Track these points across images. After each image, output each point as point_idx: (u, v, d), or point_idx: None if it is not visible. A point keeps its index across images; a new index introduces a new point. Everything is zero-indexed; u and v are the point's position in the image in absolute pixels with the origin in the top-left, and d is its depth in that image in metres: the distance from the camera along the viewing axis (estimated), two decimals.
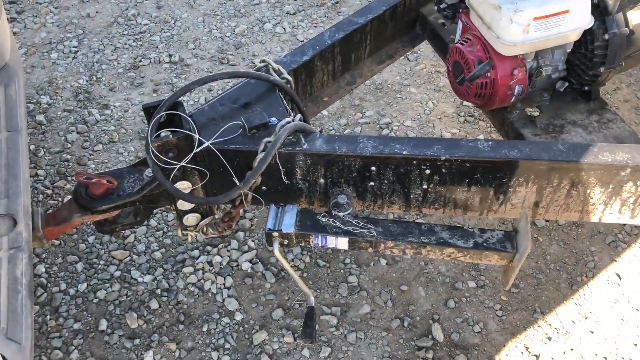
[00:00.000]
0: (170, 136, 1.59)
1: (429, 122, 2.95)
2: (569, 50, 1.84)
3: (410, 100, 3.08)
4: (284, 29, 3.60)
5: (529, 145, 1.64)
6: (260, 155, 1.60)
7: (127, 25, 3.59)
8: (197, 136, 1.59)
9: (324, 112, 2.98)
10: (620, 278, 2.26)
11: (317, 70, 2.14)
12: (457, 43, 1.91)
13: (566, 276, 2.27)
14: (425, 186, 1.71)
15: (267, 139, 1.62)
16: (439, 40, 2.33)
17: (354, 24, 2.15)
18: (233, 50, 3.44)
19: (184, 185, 1.69)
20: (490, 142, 1.63)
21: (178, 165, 1.59)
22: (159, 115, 1.61)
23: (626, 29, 1.80)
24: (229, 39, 3.52)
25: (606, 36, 1.78)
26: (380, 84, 3.20)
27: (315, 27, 3.61)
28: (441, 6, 2.01)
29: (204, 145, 1.60)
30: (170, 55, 3.35)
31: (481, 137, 2.86)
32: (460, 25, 1.96)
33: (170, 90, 3.14)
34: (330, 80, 2.27)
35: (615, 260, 2.31)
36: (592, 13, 1.76)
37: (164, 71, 3.27)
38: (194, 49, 3.42)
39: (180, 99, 1.69)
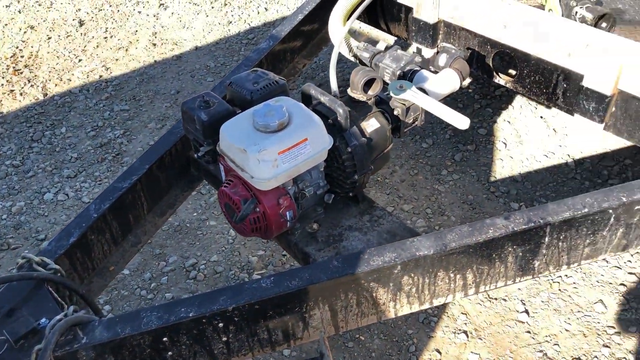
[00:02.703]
0: None
1: (234, 252, 2.95)
2: (322, 169, 1.98)
3: (212, 234, 3.08)
4: (67, 195, 3.44)
5: (308, 270, 1.69)
6: None
7: None
8: None
9: (126, 271, 2.85)
10: (440, 353, 2.39)
11: (93, 244, 2.05)
12: (222, 186, 1.96)
13: None
14: (225, 338, 1.67)
15: (38, 346, 1.47)
16: (215, 178, 2.38)
17: (120, 189, 2.11)
18: (13, 232, 3.19)
19: None
20: (272, 278, 1.65)
21: None
22: None
23: (364, 139, 1.99)
24: (6, 221, 3.26)
25: (349, 149, 1.96)
26: (178, 225, 3.16)
27: (100, 184, 3.51)
28: (199, 154, 2.07)
29: None
30: None
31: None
32: (222, 167, 2.03)
33: None
34: (112, 248, 2.17)
35: (432, 337, 2.44)
36: (331, 132, 1.93)
37: None
38: None
39: None
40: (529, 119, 3.70)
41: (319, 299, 1.68)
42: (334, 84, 2.15)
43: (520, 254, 1.82)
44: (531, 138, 3.56)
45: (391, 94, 2.16)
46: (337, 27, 2.92)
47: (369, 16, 3.48)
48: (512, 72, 2.78)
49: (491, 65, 2.85)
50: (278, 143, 1.76)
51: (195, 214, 3.20)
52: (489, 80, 2.98)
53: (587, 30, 2.37)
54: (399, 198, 3.20)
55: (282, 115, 1.80)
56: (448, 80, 2.40)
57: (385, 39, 4.17)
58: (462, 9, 2.76)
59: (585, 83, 2.38)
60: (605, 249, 1.94)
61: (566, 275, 2.63)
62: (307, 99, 2.07)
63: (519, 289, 2.60)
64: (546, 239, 1.81)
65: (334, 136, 1.94)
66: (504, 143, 3.55)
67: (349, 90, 2.09)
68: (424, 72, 2.44)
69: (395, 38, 3.50)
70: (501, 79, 2.85)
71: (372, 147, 2.04)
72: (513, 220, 1.76)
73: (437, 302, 1.87)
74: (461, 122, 2.03)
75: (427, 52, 3.12)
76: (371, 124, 2.05)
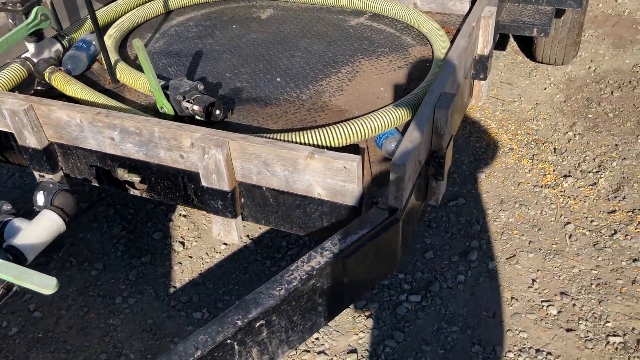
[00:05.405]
0: None
1: None
2: None
3: None
4: None
5: None
6: None
7: None
8: None
9: None
10: None
11: None
12: None
13: None
14: None
15: None
16: None
17: None
18: None
19: None
20: None
21: None
22: None
23: None
24: None
25: None
26: None
27: None
28: None
29: None
30: None
31: None
32: None
33: None
34: None
35: None
36: None
37: None
38: None
39: None
40: None
41: None
42: None
43: None
44: (208, 229, 3.37)
45: None
46: None
47: None
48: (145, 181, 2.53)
49: (120, 178, 2.56)
50: None
51: None
52: (125, 193, 2.70)
53: (188, 129, 2.22)
54: (65, 353, 2.67)
55: None
56: (45, 226, 2.02)
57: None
58: (65, 129, 2.43)
59: (203, 183, 2.22)
60: None
61: None
62: None
63: None
64: None
65: None
66: (182, 242, 3.29)
67: None
68: (16, 221, 2.03)
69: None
70: (135, 190, 2.58)
71: None
72: None
73: None
74: (45, 286, 1.64)
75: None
76: None
